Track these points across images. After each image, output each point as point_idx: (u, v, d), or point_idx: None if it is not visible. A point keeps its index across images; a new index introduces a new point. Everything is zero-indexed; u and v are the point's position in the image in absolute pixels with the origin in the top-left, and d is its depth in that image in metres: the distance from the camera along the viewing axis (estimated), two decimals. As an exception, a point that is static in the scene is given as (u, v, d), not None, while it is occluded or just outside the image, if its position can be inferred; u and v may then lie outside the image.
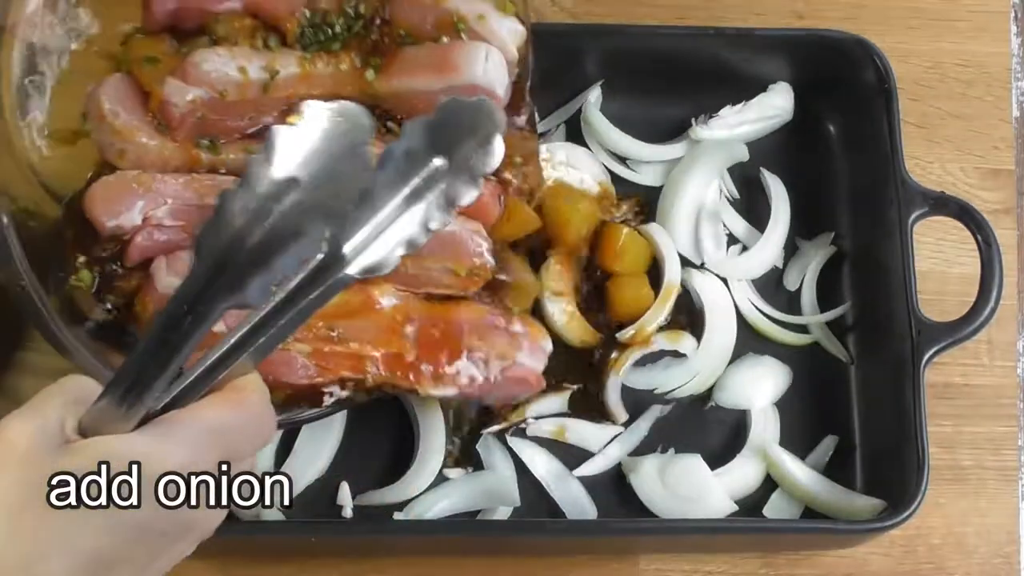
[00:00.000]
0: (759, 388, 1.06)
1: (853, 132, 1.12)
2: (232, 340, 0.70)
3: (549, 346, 0.98)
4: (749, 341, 1.08)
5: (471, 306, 0.96)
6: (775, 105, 1.13)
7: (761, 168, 1.12)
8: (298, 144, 0.70)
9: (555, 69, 1.09)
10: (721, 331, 1.07)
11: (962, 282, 1.07)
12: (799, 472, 1.03)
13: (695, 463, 1.02)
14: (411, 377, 0.94)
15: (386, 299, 0.94)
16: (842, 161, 1.13)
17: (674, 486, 1.01)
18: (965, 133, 1.16)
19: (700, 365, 1.06)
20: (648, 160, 1.12)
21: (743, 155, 1.12)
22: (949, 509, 1.06)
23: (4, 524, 0.61)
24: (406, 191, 0.76)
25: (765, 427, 1.05)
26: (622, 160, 1.12)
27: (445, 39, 0.94)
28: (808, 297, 1.09)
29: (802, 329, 1.09)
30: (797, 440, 1.05)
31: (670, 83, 1.12)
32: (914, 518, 0.95)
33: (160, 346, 0.66)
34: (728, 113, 1.12)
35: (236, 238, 0.67)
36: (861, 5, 1.20)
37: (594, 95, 1.12)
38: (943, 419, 1.07)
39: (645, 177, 1.12)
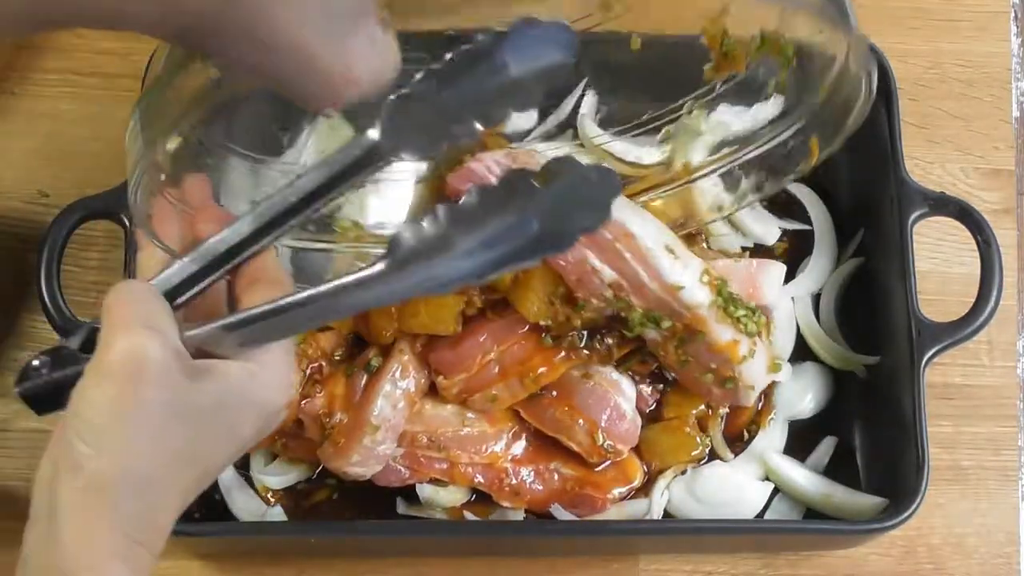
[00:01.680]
0: (807, 397, 1.06)
1: (853, 132, 1.12)
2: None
3: (638, 483, 1.01)
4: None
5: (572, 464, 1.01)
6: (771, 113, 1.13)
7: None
8: None
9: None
10: (779, 343, 1.06)
11: (962, 282, 1.07)
12: (799, 477, 1.02)
13: (718, 470, 1.02)
14: (499, 490, 0.99)
15: (506, 426, 1.00)
16: (842, 161, 1.13)
17: (708, 498, 1.01)
18: (965, 133, 1.16)
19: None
20: (647, 162, 1.12)
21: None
22: (949, 509, 1.06)
23: (147, 440, 0.63)
24: None
25: (771, 439, 1.04)
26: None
27: (710, 378, 0.96)
28: (827, 306, 1.09)
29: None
30: (797, 441, 1.05)
31: (669, 83, 1.11)
32: (914, 518, 0.95)
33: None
34: (725, 110, 1.12)
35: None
36: (861, 5, 1.19)
37: (587, 106, 1.12)
38: (943, 419, 1.07)
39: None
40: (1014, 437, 1.08)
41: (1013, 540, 1.05)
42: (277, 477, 1.02)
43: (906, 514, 0.94)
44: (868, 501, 1.00)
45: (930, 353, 0.98)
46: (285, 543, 1.01)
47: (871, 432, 1.05)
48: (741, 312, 0.94)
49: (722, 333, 0.94)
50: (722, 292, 0.95)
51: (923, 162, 1.15)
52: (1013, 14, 1.20)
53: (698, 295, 0.93)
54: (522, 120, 1.13)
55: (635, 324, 0.94)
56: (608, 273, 0.93)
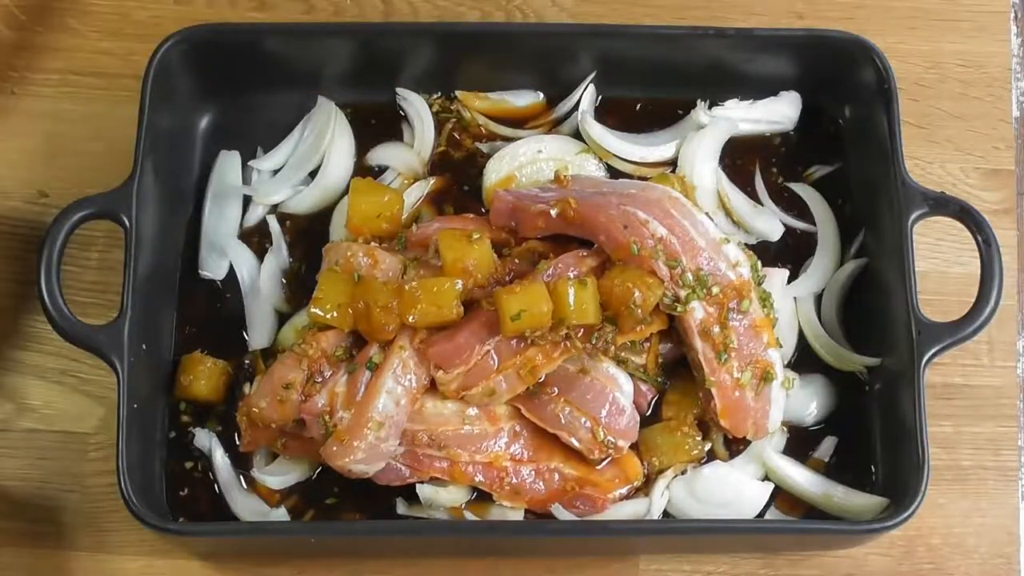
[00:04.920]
0: (812, 406, 1.06)
1: (853, 132, 1.12)
2: None
3: (639, 483, 1.02)
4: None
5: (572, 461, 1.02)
6: (781, 112, 1.13)
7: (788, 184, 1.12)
8: None
9: (554, 68, 1.09)
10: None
11: (962, 282, 1.07)
12: (799, 476, 1.02)
13: (718, 470, 1.02)
14: (499, 489, 1.00)
15: (506, 424, 1.00)
16: (842, 161, 1.13)
17: (708, 498, 1.01)
18: (965, 133, 1.16)
19: None
20: (652, 160, 1.12)
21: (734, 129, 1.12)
22: (949, 509, 1.06)
23: None
24: None
25: (771, 439, 1.04)
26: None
27: (748, 376, 1.01)
28: (828, 307, 1.08)
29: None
30: (797, 441, 1.05)
31: (669, 82, 1.12)
32: (914, 518, 0.95)
33: None
34: (734, 105, 1.12)
35: None
36: (861, 5, 1.20)
37: (587, 102, 1.12)
38: (943, 419, 1.07)
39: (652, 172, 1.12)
40: (1014, 437, 1.08)
41: (1013, 540, 1.05)
42: (278, 477, 1.02)
43: (906, 514, 0.94)
44: (868, 501, 1.00)
45: (930, 353, 0.98)
46: (285, 543, 1.01)
47: (871, 432, 1.05)
48: (767, 295, 1.02)
49: (759, 306, 1.00)
50: (756, 268, 1.02)
51: (923, 162, 1.15)
52: (1013, 14, 1.21)
53: (740, 255, 1.01)
54: (519, 99, 1.14)
55: (687, 295, 0.97)
56: (656, 226, 0.98)
